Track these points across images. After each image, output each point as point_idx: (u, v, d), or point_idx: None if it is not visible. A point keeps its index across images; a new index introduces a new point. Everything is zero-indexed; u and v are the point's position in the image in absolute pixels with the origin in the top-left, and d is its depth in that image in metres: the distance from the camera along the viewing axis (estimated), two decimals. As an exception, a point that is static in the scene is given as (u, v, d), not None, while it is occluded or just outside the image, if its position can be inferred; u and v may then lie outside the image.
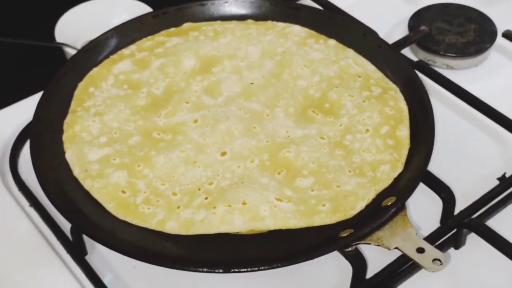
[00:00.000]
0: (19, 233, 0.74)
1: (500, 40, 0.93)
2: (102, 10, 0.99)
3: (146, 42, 0.85)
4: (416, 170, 0.70)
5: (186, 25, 0.87)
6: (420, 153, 0.71)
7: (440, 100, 0.87)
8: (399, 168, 0.71)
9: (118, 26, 0.85)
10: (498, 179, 0.77)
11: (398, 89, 0.79)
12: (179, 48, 0.83)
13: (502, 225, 0.71)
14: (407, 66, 0.81)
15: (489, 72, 0.93)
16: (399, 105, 0.77)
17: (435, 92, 0.86)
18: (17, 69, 1.01)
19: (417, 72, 0.81)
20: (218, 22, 0.87)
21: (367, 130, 0.74)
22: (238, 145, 0.73)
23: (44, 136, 0.74)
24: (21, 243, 0.72)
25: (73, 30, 0.96)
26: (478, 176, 0.78)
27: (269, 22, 0.87)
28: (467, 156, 0.81)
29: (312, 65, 0.81)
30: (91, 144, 0.73)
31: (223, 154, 0.72)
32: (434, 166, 0.72)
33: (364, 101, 0.77)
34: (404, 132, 0.74)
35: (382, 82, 0.80)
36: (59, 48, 0.94)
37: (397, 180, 0.70)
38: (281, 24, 0.87)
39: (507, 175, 0.77)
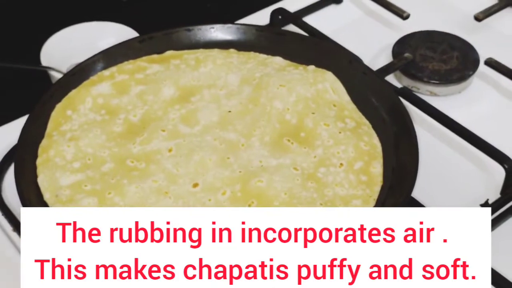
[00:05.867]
0: (2, 258, 0.73)
1: (482, 67, 0.95)
2: (88, 34, 0.99)
3: (127, 65, 0.85)
4: (400, 196, 0.70)
5: (168, 52, 0.87)
6: (404, 180, 0.72)
7: (424, 127, 0.87)
8: (371, 204, 0.71)
9: (105, 51, 0.86)
10: (481, 205, 0.77)
11: (370, 125, 0.79)
12: (160, 77, 0.83)
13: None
14: (392, 93, 0.82)
15: (472, 99, 0.94)
16: (373, 141, 0.77)
17: (418, 118, 0.87)
18: (1, 93, 1.01)
19: (401, 98, 0.82)
20: (201, 50, 0.87)
21: (341, 164, 0.74)
22: (210, 176, 0.72)
23: (28, 160, 0.74)
24: (3, 268, 0.72)
25: (58, 54, 0.96)
26: (461, 202, 0.79)
27: (252, 53, 0.87)
28: (450, 182, 0.82)
29: (288, 84, 0.81)
30: (63, 169, 0.73)
31: (195, 185, 0.72)
32: (418, 192, 0.72)
33: (340, 132, 0.77)
34: (377, 169, 0.74)
35: (355, 115, 0.80)
36: (44, 72, 0.94)
37: (381, 206, 0.71)
38: (263, 56, 0.87)
39: (490, 202, 0.77)
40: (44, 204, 0.70)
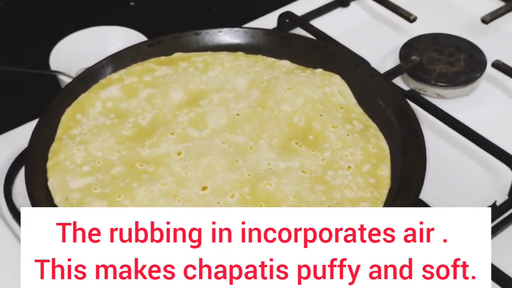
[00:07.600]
0: (12, 261, 0.73)
1: (489, 70, 0.95)
2: (97, 38, 0.99)
3: (136, 66, 0.85)
4: (408, 199, 0.70)
5: (176, 54, 0.87)
6: (411, 182, 0.72)
7: (431, 129, 0.88)
8: (379, 206, 0.71)
9: (114, 55, 0.86)
10: (489, 207, 0.77)
11: (378, 128, 0.79)
12: (168, 80, 0.83)
13: (493, 254, 0.71)
14: (399, 95, 0.82)
15: (479, 101, 0.94)
16: (381, 143, 0.77)
17: (426, 121, 0.87)
18: (11, 97, 1.01)
19: (408, 101, 0.82)
20: (209, 52, 0.87)
21: (349, 167, 0.74)
22: (219, 180, 0.73)
23: (38, 164, 0.74)
24: (14, 272, 0.72)
25: (67, 58, 0.96)
26: (468, 204, 0.79)
27: (259, 56, 0.87)
28: (458, 184, 0.82)
29: (296, 87, 0.81)
30: (73, 173, 0.73)
31: (204, 188, 0.72)
32: (425, 195, 0.73)
33: (348, 135, 0.77)
34: (385, 171, 0.74)
35: (362, 118, 0.80)
36: (53, 76, 0.95)
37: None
38: (270, 59, 0.87)
39: (497, 203, 0.77)
40: (54, 207, 0.71)
